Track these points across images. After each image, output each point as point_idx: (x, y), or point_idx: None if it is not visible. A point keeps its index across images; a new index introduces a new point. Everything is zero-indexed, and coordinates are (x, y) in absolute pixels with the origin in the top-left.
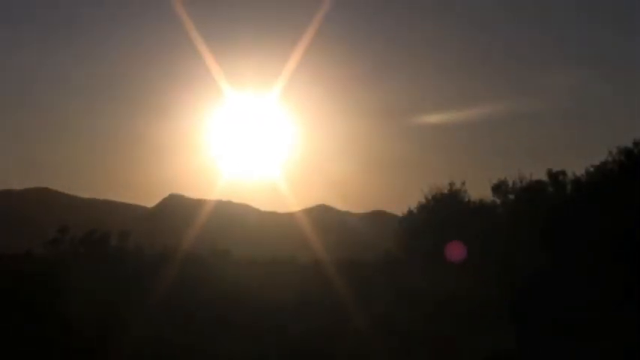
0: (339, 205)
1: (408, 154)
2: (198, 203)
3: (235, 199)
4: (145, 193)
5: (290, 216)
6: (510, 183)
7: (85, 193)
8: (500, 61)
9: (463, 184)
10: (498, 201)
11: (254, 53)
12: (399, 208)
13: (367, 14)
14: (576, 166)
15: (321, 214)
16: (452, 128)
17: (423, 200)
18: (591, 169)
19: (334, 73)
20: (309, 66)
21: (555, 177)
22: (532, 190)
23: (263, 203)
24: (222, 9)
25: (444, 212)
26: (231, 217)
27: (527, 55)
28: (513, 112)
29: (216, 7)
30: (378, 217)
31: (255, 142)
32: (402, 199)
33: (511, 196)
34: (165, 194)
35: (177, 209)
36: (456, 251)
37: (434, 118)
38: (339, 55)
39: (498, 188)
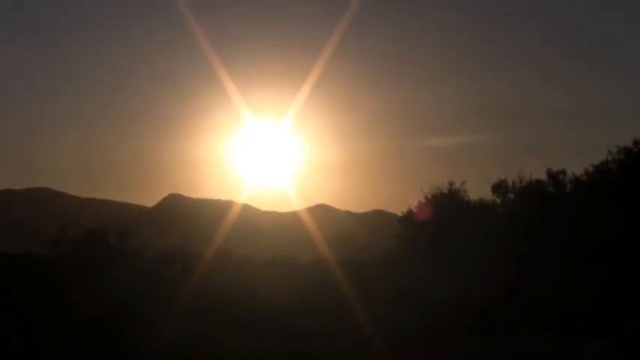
0: (339, 204)
1: (409, 169)
2: (198, 203)
3: (235, 199)
4: (145, 193)
5: (290, 216)
6: (510, 182)
7: (85, 193)
8: (500, 62)
9: (463, 183)
10: (498, 200)
11: (269, 78)
12: (399, 208)
13: (374, 47)
14: (576, 166)
15: (321, 214)
16: (453, 149)
17: (423, 200)
18: (591, 169)
19: (342, 95)
20: (321, 88)
21: (555, 176)
22: (532, 190)
23: (263, 203)
24: (242, 42)
25: (444, 212)
26: (230, 216)
27: (527, 55)
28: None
29: (239, 45)
30: (378, 217)
31: (261, 150)
32: (402, 199)
33: (511, 196)
34: (165, 194)
35: (177, 209)
36: (423, 212)
37: (435, 141)
38: (347, 82)
39: (498, 188)
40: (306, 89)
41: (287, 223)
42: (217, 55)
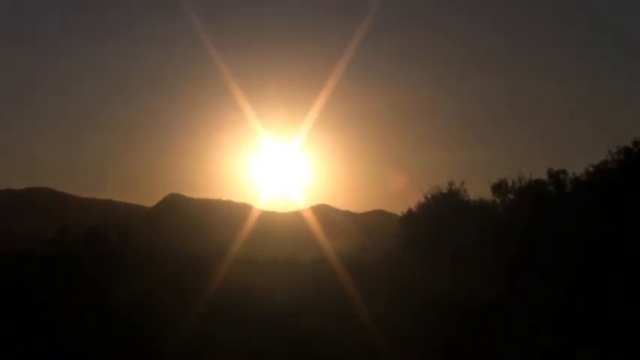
0: (340, 204)
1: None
2: (198, 203)
3: (235, 199)
4: (145, 193)
5: (291, 216)
6: (510, 182)
7: (85, 193)
8: (499, 63)
9: (462, 183)
10: (498, 200)
11: (272, 78)
12: (399, 208)
13: (380, 62)
14: (576, 166)
15: (322, 214)
16: (454, 149)
17: (423, 200)
18: (591, 169)
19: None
20: (332, 107)
21: (555, 176)
22: (532, 190)
23: (264, 203)
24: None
25: (444, 211)
26: (230, 216)
27: (526, 56)
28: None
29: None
30: (378, 217)
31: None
32: (403, 199)
33: (511, 196)
34: (166, 194)
35: (177, 209)
36: (396, 180)
37: (438, 139)
38: (354, 105)
39: (498, 188)
40: (319, 102)
41: (288, 223)
42: (218, 53)
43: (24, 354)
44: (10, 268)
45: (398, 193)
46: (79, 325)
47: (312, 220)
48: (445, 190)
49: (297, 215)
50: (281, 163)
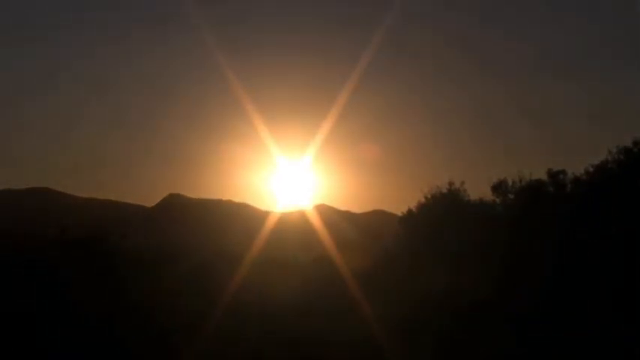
0: (340, 204)
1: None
2: (198, 203)
3: (235, 199)
4: (145, 193)
5: (291, 215)
6: (510, 182)
7: (85, 193)
8: (499, 62)
9: (462, 183)
10: (498, 200)
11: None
12: (399, 208)
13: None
14: (576, 166)
15: (322, 214)
16: (454, 149)
17: (423, 200)
18: (591, 169)
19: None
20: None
21: (555, 176)
22: (532, 190)
23: (263, 202)
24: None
25: (444, 211)
26: (230, 216)
27: (526, 56)
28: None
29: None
30: (378, 217)
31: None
32: (402, 198)
33: (511, 196)
34: (165, 194)
35: (177, 209)
36: (368, 151)
37: (439, 140)
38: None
39: (498, 188)
40: (331, 116)
41: (288, 222)
42: (224, 58)
43: (26, 355)
44: (10, 268)
45: (371, 163)
46: (83, 326)
47: (312, 219)
48: (445, 190)
49: (297, 215)
50: (283, 163)
